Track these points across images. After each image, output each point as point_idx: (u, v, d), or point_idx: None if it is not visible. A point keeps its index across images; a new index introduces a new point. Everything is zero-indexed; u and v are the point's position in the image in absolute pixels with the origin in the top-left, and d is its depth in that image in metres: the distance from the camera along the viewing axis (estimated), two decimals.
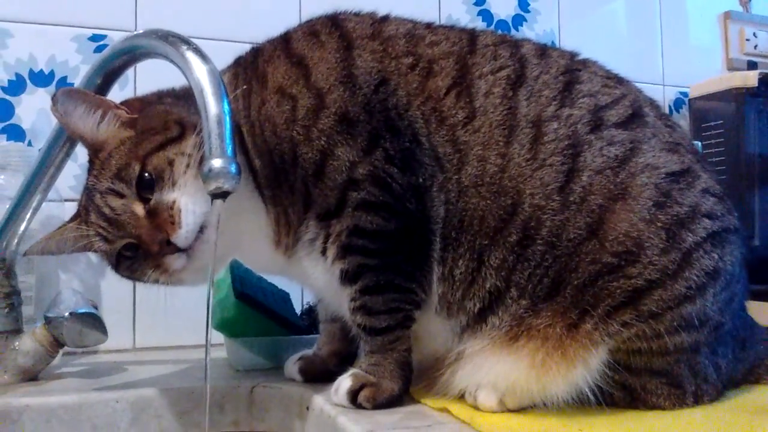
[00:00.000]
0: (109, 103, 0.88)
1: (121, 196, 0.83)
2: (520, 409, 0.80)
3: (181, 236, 0.81)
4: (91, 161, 0.88)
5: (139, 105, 0.90)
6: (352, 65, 0.88)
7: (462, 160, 0.84)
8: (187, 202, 0.81)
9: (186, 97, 0.93)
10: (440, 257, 0.85)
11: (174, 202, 0.81)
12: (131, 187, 0.83)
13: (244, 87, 0.91)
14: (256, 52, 0.95)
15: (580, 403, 0.78)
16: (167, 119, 0.86)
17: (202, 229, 0.82)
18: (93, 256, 1.30)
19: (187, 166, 0.82)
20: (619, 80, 0.92)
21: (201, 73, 0.78)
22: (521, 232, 0.81)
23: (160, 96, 0.94)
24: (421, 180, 0.84)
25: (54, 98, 0.85)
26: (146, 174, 0.82)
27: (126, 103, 0.90)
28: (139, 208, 0.83)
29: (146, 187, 0.82)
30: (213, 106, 0.76)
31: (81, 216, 0.88)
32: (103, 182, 0.84)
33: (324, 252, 0.88)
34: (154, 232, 0.81)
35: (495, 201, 0.82)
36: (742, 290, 0.88)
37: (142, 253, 0.84)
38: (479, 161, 0.83)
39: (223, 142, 0.75)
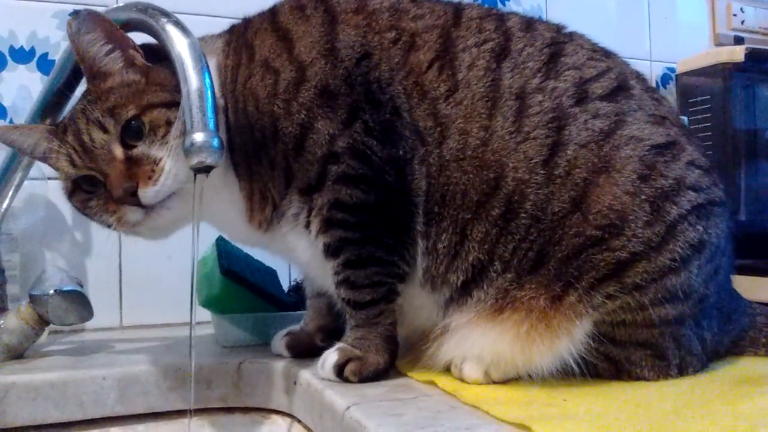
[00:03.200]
0: (128, 41, 0.86)
1: (106, 131, 0.83)
2: (505, 381, 0.80)
3: (150, 193, 0.81)
4: (88, 88, 0.87)
5: (153, 56, 0.88)
6: (335, 39, 0.87)
7: (443, 133, 0.84)
8: (172, 165, 0.81)
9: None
10: (424, 231, 0.85)
11: (161, 159, 0.81)
12: (117, 128, 0.82)
13: (236, 56, 0.90)
14: (247, 23, 0.95)
15: (565, 375, 0.79)
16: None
17: (171, 197, 0.83)
18: (78, 235, 1.29)
19: (182, 132, 0.81)
20: (606, 53, 0.91)
21: (182, 47, 0.78)
22: (504, 205, 0.81)
23: None
24: (401, 152, 0.84)
25: (75, 13, 0.83)
26: (135, 123, 0.82)
27: (144, 47, 0.88)
28: (118, 151, 0.83)
29: (132, 134, 0.82)
30: (194, 79, 0.76)
31: (59, 129, 0.88)
32: (95, 112, 0.83)
33: (308, 226, 0.88)
34: (125, 179, 0.81)
35: (477, 175, 0.82)
36: (728, 263, 0.88)
37: (102, 193, 0.84)
38: (461, 134, 0.83)
39: (204, 116, 0.74)
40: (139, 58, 0.86)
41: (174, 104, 0.83)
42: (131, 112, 0.82)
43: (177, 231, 0.90)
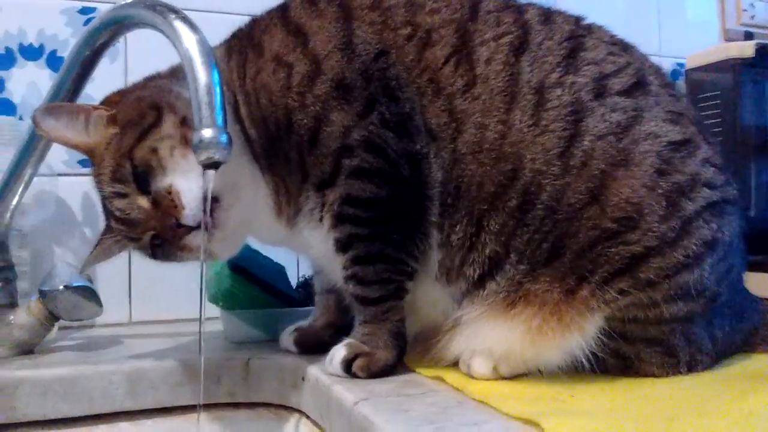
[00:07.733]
0: (87, 106, 0.88)
1: (124, 195, 0.84)
2: (513, 377, 0.80)
3: (188, 216, 0.81)
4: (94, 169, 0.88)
5: (117, 98, 0.90)
6: (351, 34, 0.87)
7: (458, 128, 0.83)
8: (182, 182, 0.82)
9: (170, 75, 0.94)
10: (439, 223, 0.85)
11: (170, 185, 0.82)
12: (130, 185, 0.84)
13: (240, 57, 0.90)
14: (253, 23, 0.95)
15: (574, 370, 0.79)
16: (141, 106, 0.86)
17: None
18: (88, 231, 1.30)
19: (172, 147, 0.83)
20: (624, 47, 0.91)
21: (190, 43, 0.77)
22: (521, 196, 0.81)
23: (146, 81, 0.94)
24: (419, 146, 0.84)
25: (34, 120, 0.86)
26: (135, 170, 0.83)
27: (106, 101, 0.90)
28: (144, 202, 0.84)
29: (143, 180, 0.83)
30: (202, 75, 0.75)
31: (108, 225, 0.90)
32: (107, 187, 0.85)
33: (321, 220, 0.87)
34: (164, 219, 0.82)
35: (494, 167, 0.82)
36: (740, 263, 0.87)
37: (163, 239, 0.85)
38: (478, 128, 0.83)
39: (213, 112, 0.74)
40: (104, 112, 0.87)
41: (147, 130, 0.84)
42: (127, 164, 0.83)
43: (247, 234, 0.94)
